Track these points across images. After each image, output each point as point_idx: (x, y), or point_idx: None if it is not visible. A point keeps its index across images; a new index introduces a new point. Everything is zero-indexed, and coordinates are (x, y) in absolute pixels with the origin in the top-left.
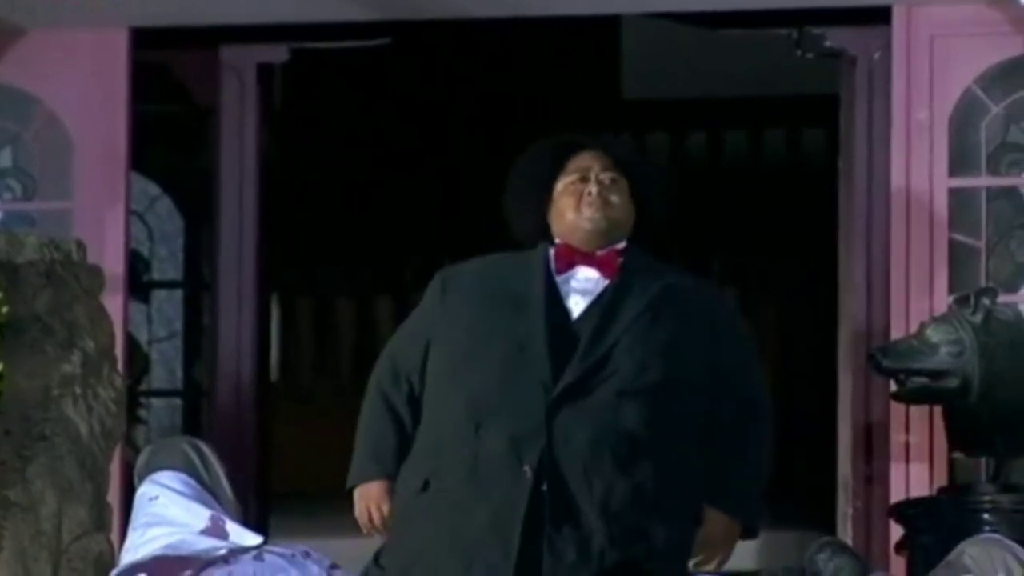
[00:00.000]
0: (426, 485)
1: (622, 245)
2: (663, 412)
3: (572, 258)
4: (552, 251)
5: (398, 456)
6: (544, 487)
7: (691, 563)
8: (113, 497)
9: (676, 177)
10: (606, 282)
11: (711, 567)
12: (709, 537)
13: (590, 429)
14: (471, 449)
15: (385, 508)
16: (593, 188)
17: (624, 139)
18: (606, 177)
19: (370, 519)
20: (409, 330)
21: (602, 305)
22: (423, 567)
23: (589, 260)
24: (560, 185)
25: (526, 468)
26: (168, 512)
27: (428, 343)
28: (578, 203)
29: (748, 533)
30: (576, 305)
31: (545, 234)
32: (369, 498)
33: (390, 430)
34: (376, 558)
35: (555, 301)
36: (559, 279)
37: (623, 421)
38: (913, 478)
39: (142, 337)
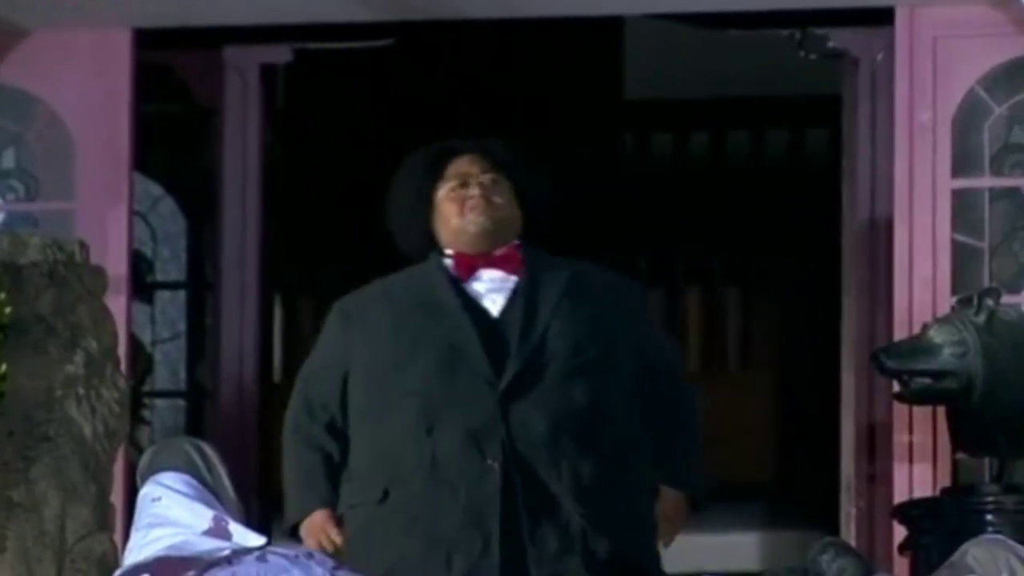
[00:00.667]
0: (385, 495)
1: (516, 243)
2: (606, 388)
3: (473, 262)
4: (449, 260)
5: (331, 485)
6: (514, 478)
7: None
8: (116, 498)
9: (550, 172)
10: (514, 278)
11: (666, 542)
12: (663, 513)
13: (546, 414)
14: (427, 451)
15: (334, 533)
16: (475, 191)
17: (501, 139)
18: (487, 179)
19: (322, 549)
20: (317, 365)
21: (520, 298)
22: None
23: (490, 261)
24: (441, 192)
25: (490, 462)
26: (171, 513)
27: (345, 370)
28: (461, 208)
29: (695, 506)
30: (493, 304)
31: (431, 244)
32: (316, 530)
33: (317, 462)
34: None
35: (471, 302)
36: (464, 285)
37: (574, 401)
38: (916, 478)
39: (145, 338)
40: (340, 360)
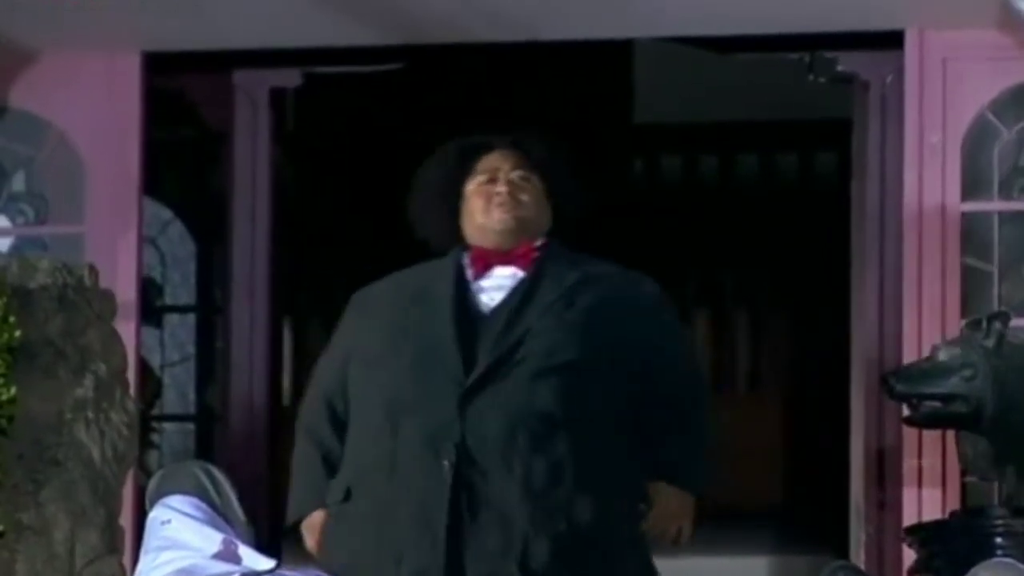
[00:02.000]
0: (348, 494)
1: (539, 241)
2: (579, 390)
3: (488, 259)
4: (467, 255)
5: (328, 482)
6: (463, 478)
7: (648, 536)
8: (125, 521)
9: (587, 172)
10: (521, 275)
11: (669, 538)
12: (663, 511)
13: (504, 414)
14: (389, 450)
15: None
16: (502, 188)
17: (537, 134)
18: (516, 176)
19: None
20: (328, 355)
21: (515, 296)
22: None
23: (504, 258)
24: (471, 186)
25: (444, 462)
26: (180, 536)
27: (347, 361)
28: (487, 204)
29: (700, 502)
30: (491, 300)
31: (457, 238)
32: (311, 530)
33: (317, 460)
34: None
35: (465, 298)
36: (472, 281)
37: (537, 401)
38: (926, 502)
39: (155, 361)
40: (343, 352)
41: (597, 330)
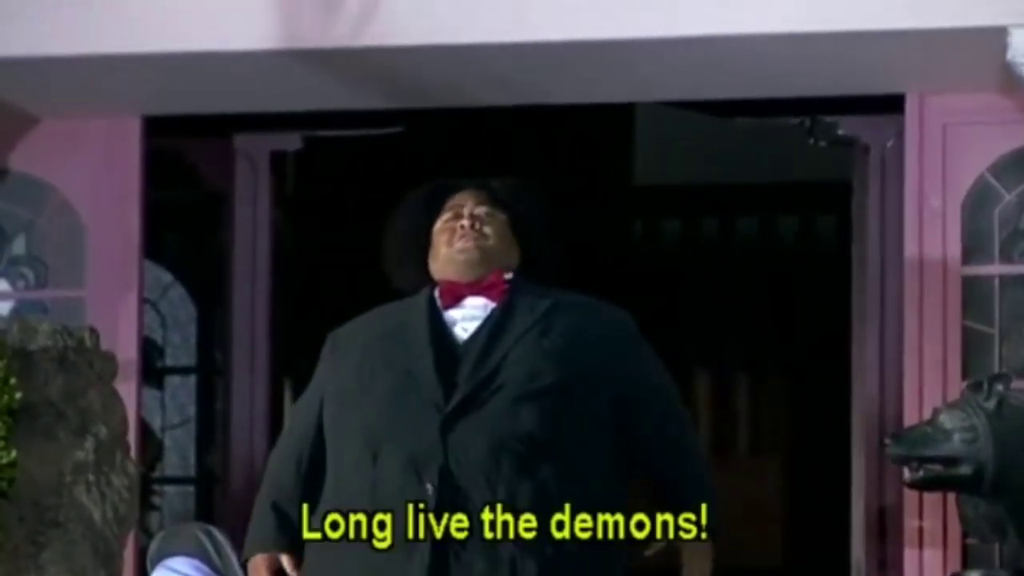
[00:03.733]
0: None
1: (508, 275)
2: (561, 413)
3: (458, 291)
4: (437, 290)
5: (281, 524)
6: (447, 501)
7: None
8: None
9: (558, 214)
10: (492, 305)
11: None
12: (693, 573)
13: (487, 437)
14: (369, 479)
15: None
16: (465, 222)
17: (507, 179)
18: (480, 211)
19: None
20: (304, 397)
21: (490, 324)
22: None
23: (474, 289)
24: (437, 225)
25: (427, 486)
26: None
27: (321, 402)
28: (451, 238)
29: (710, 534)
30: (464, 331)
31: (429, 281)
32: (254, 571)
33: (266, 503)
34: None
35: (440, 329)
36: (443, 312)
37: (520, 425)
38: (927, 563)
39: (155, 423)
40: (318, 391)
41: (574, 355)
